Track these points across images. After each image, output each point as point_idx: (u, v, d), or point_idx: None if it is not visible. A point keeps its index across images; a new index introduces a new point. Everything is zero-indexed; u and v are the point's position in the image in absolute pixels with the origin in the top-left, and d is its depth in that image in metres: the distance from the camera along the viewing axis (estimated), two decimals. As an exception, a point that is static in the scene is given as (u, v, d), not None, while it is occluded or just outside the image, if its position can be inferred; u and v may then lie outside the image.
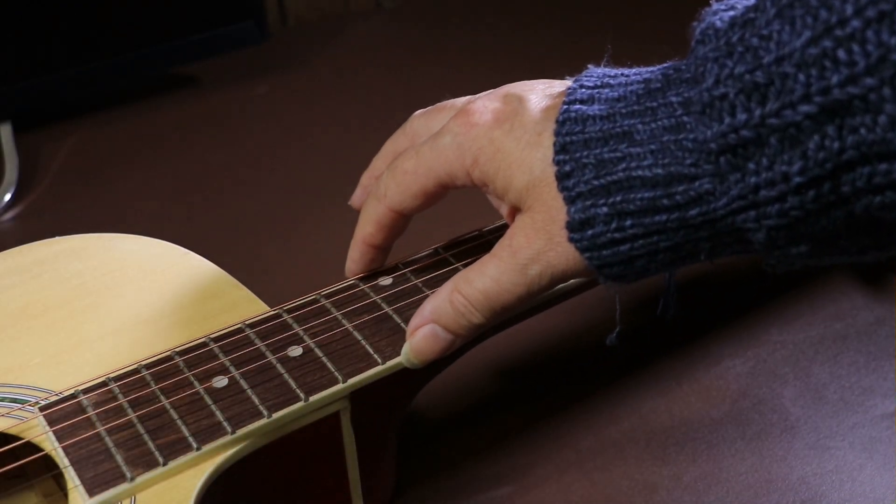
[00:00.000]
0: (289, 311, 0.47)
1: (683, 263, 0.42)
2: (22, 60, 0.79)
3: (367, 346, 0.45)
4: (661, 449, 0.54)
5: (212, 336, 0.46)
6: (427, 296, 0.48)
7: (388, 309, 0.47)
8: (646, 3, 1.03)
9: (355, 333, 0.46)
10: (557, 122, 0.42)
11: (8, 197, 0.77)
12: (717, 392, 0.57)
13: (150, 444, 0.41)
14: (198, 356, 0.45)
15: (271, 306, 0.48)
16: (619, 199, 0.40)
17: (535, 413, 0.57)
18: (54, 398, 0.43)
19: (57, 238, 0.53)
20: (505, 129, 0.44)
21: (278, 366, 0.44)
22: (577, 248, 0.41)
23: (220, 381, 0.44)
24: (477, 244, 0.51)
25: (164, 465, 0.40)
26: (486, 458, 0.54)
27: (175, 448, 0.41)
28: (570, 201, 0.41)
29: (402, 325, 0.46)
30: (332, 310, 0.47)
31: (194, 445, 0.41)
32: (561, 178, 0.41)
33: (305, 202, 0.76)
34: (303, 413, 0.43)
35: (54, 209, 0.76)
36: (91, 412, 0.42)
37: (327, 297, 0.48)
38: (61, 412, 0.43)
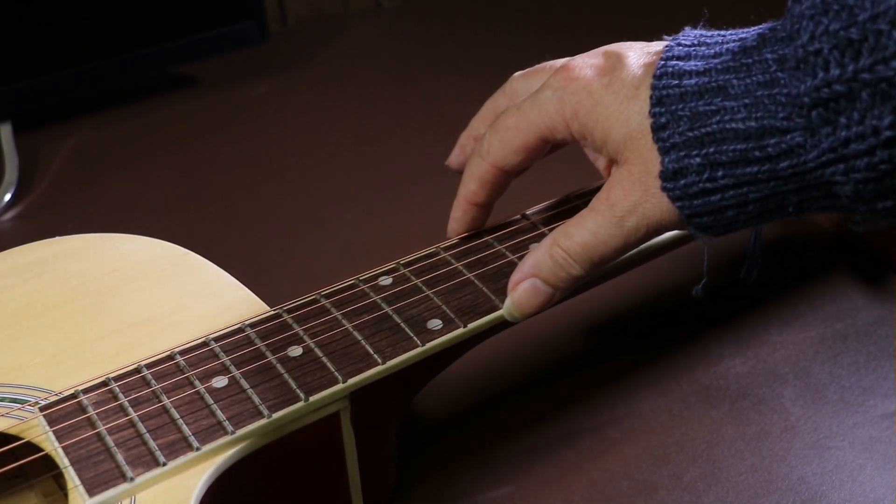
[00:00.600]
0: (289, 311, 0.47)
1: (771, 217, 0.43)
2: (22, 60, 0.79)
3: (367, 346, 0.45)
4: (661, 449, 0.54)
5: (212, 336, 0.46)
6: (427, 295, 0.48)
7: (388, 309, 0.47)
8: (645, 4, 1.03)
9: (355, 333, 0.46)
10: (655, 76, 0.44)
11: (8, 197, 0.77)
12: (717, 392, 0.57)
13: (151, 444, 0.41)
14: (198, 356, 0.45)
15: (271, 306, 0.48)
16: (711, 150, 0.41)
17: (535, 413, 0.56)
18: (54, 398, 0.43)
19: (57, 238, 0.53)
20: (604, 82, 0.45)
21: (278, 366, 0.44)
22: (670, 198, 0.43)
23: (221, 381, 0.44)
24: (476, 244, 0.51)
25: (165, 465, 0.40)
26: (486, 458, 0.54)
27: (175, 448, 0.41)
28: (664, 152, 0.42)
29: (403, 324, 0.47)
30: (332, 310, 0.47)
31: (194, 445, 0.41)
32: (656, 129, 0.43)
33: (305, 202, 0.76)
34: (303, 413, 0.43)
35: (54, 209, 0.76)
36: (91, 412, 0.42)
37: (327, 297, 0.48)
38: (61, 412, 0.43)
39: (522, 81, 0.53)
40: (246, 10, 0.88)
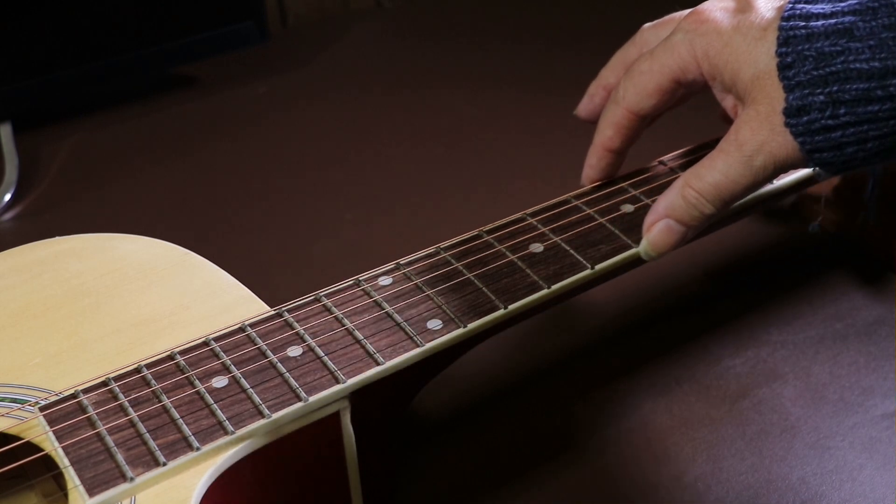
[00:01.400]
0: (289, 311, 0.47)
1: (890, 156, 0.45)
2: (22, 60, 0.79)
3: (367, 346, 0.45)
4: (661, 449, 0.54)
5: (212, 336, 0.46)
6: (427, 295, 0.48)
7: (388, 309, 0.47)
8: (645, 4, 1.03)
9: (355, 333, 0.46)
10: (783, 17, 0.46)
11: (8, 197, 0.77)
12: (717, 392, 0.57)
13: (151, 444, 0.41)
14: (198, 356, 0.45)
15: (271, 306, 0.48)
16: (835, 88, 0.44)
17: (535, 413, 0.57)
18: (54, 398, 0.43)
19: (57, 238, 0.53)
20: (734, 24, 0.48)
21: (278, 366, 0.44)
22: (792, 133, 0.45)
23: (221, 381, 0.44)
24: (476, 244, 0.51)
25: (165, 465, 0.40)
26: (486, 458, 0.54)
27: (175, 448, 0.41)
28: (789, 90, 0.45)
29: (403, 324, 0.47)
30: (333, 310, 0.47)
31: (194, 445, 0.41)
32: (782, 68, 0.45)
33: (305, 202, 0.76)
34: (303, 413, 0.43)
35: (54, 209, 0.76)
36: (91, 412, 0.42)
37: (327, 297, 0.48)
38: (61, 412, 0.43)
39: (652, 31, 0.55)
40: (246, 10, 0.88)
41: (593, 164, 0.55)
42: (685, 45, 0.50)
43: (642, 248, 0.50)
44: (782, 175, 0.55)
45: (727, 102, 0.50)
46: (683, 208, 0.49)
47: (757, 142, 0.46)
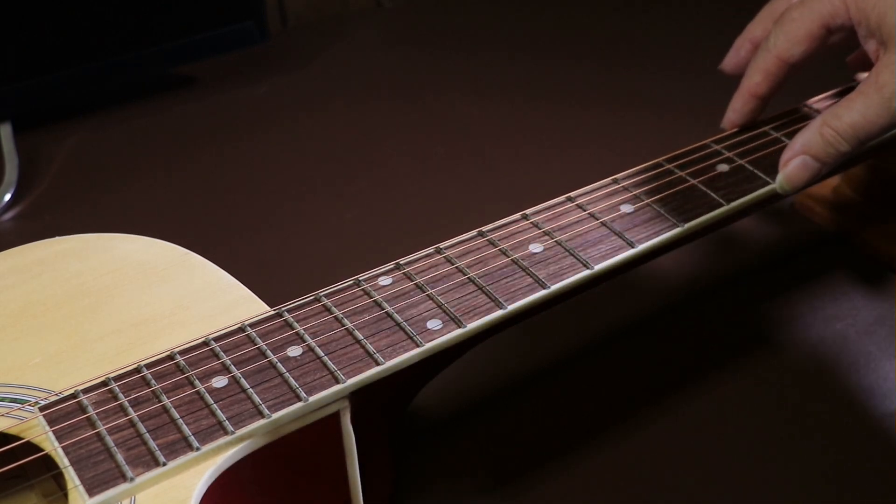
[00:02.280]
0: (289, 311, 0.47)
1: None
2: (22, 60, 0.79)
3: (367, 346, 0.45)
4: (661, 449, 0.54)
5: (212, 336, 0.46)
6: (427, 295, 0.48)
7: (388, 309, 0.47)
8: (645, 3, 1.03)
9: (355, 333, 0.46)
10: None
11: (8, 197, 0.77)
12: (717, 392, 0.57)
13: (151, 444, 0.41)
14: (198, 356, 0.45)
15: (271, 306, 0.48)
16: None
17: (535, 413, 0.57)
18: (54, 398, 0.43)
19: (57, 238, 0.53)
20: None
21: (278, 365, 0.44)
22: None
23: (221, 381, 0.44)
24: (476, 244, 0.51)
25: (165, 464, 0.40)
26: (486, 458, 0.54)
27: (175, 448, 0.41)
28: None
29: (403, 324, 0.47)
30: (333, 310, 0.47)
31: (194, 445, 0.41)
32: None
33: (305, 202, 0.76)
34: (303, 413, 0.43)
35: (54, 209, 0.76)
36: (91, 412, 0.42)
37: (327, 296, 0.48)
38: (61, 412, 0.43)
39: None
40: (246, 10, 0.88)
41: (737, 109, 0.58)
42: None
43: (778, 182, 0.54)
44: None
45: (870, 46, 0.53)
46: (820, 146, 0.52)
47: None
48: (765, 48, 0.57)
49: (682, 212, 0.53)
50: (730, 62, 0.61)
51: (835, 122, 0.52)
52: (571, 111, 0.85)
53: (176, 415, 0.42)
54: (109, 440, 0.41)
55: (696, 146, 0.58)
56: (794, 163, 0.54)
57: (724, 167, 0.56)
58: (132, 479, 0.40)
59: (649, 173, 0.56)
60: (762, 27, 0.59)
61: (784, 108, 0.60)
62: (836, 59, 0.61)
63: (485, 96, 0.89)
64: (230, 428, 0.42)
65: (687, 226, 0.52)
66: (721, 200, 0.54)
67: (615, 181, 0.56)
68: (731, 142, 0.58)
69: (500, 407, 0.57)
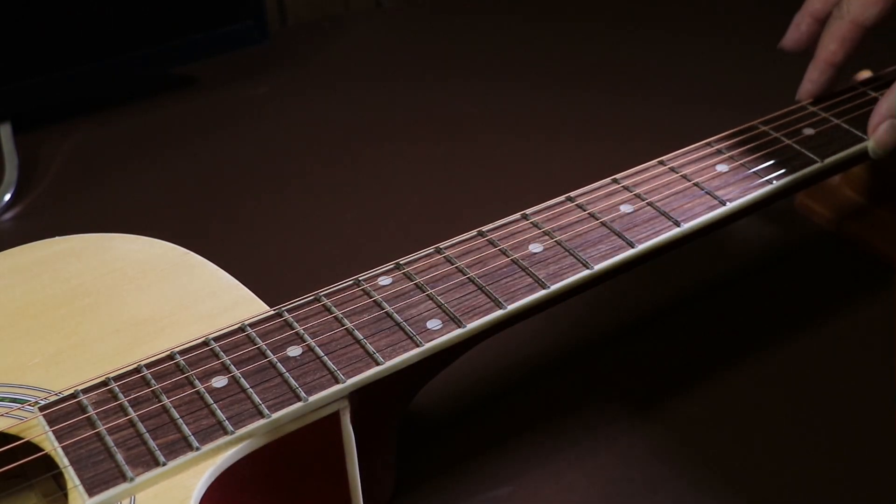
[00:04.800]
0: (289, 311, 0.47)
1: None
2: (22, 60, 0.79)
3: (367, 346, 0.45)
4: (661, 450, 0.54)
5: (212, 336, 0.46)
6: (427, 295, 0.48)
7: (387, 308, 0.47)
8: (644, 3, 1.03)
9: (355, 333, 0.46)
10: None
11: (8, 197, 0.77)
12: (717, 393, 0.57)
13: (150, 444, 0.41)
14: (198, 356, 0.45)
15: (271, 306, 0.48)
16: None
17: (535, 413, 0.56)
18: (54, 398, 0.43)
19: (57, 238, 0.53)
20: None
21: (278, 365, 0.45)
22: None
23: (220, 381, 0.44)
24: (476, 244, 0.51)
25: (164, 464, 0.40)
26: (486, 458, 0.54)
27: (175, 448, 0.41)
28: None
29: (402, 324, 0.47)
30: (332, 309, 0.47)
31: (194, 445, 0.41)
32: None
33: (305, 202, 0.76)
34: (302, 413, 0.43)
35: (54, 209, 0.76)
36: (91, 412, 0.42)
37: (327, 296, 0.48)
38: (61, 412, 0.43)
39: None
40: (246, 10, 0.88)
41: (814, 79, 0.60)
42: None
43: (870, 147, 0.56)
44: (782, 175, 0.56)
45: None
46: None
47: None
48: (837, 16, 0.58)
49: (682, 212, 0.53)
50: (790, 38, 0.62)
51: None
52: (572, 111, 0.85)
53: (176, 414, 0.42)
54: (109, 440, 0.41)
55: (694, 146, 0.58)
56: (883, 127, 0.55)
57: (723, 167, 0.56)
58: (132, 479, 0.40)
59: (649, 173, 0.56)
60: (822, 1, 0.60)
61: (785, 107, 0.61)
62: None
63: (485, 96, 0.89)
64: (230, 428, 0.42)
65: (687, 226, 0.52)
66: (722, 200, 0.54)
67: (615, 181, 0.56)
68: (730, 142, 0.58)
69: (501, 407, 0.57)
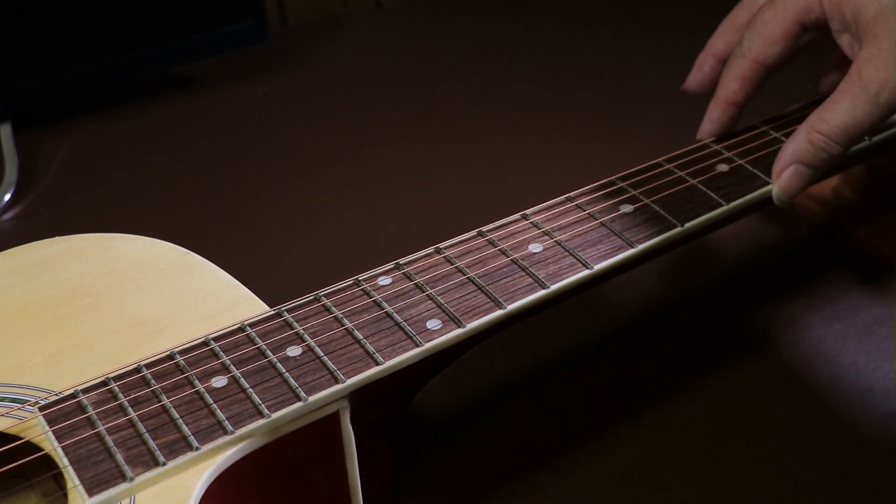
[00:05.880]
0: (288, 311, 0.47)
1: None
2: (22, 60, 0.79)
3: (367, 346, 0.45)
4: (661, 450, 0.54)
5: (212, 336, 0.46)
6: (427, 295, 0.48)
7: (387, 308, 0.47)
8: (644, 3, 1.03)
9: (355, 333, 0.46)
10: None
11: (8, 197, 0.77)
12: (717, 393, 0.57)
13: (150, 444, 0.41)
14: (198, 356, 0.45)
15: (271, 306, 0.48)
16: None
17: (535, 413, 0.57)
18: (54, 398, 0.43)
19: (57, 238, 0.53)
20: None
21: (278, 365, 0.44)
22: None
23: (220, 381, 0.44)
24: (475, 244, 0.51)
25: (164, 464, 0.40)
26: (486, 457, 0.54)
27: (175, 448, 0.41)
28: None
29: (402, 324, 0.47)
30: (332, 309, 0.47)
31: (194, 445, 0.41)
32: None
33: (305, 202, 0.76)
34: (302, 413, 0.43)
35: (54, 209, 0.76)
36: (91, 412, 0.42)
37: (327, 296, 0.48)
38: (61, 412, 0.43)
39: None
40: (246, 10, 0.88)
41: (714, 119, 0.57)
42: None
43: (774, 194, 0.53)
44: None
45: (843, 41, 0.53)
46: (811, 152, 0.51)
47: (881, 79, 0.48)
48: (738, 54, 0.55)
49: (682, 212, 0.53)
50: (693, 80, 0.59)
51: (822, 126, 0.51)
52: (572, 111, 0.85)
53: (175, 414, 0.42)
54: (109, 440, 0.41)
55: (695, 146, 0.58)
56: (788, 172, 0.53)
57: (723, 167, 0.56)
58: (132, 479, 0.40)
59: (649, 173, 0.56)
60: (724, 41, 0.58)
61: (784, 109, 0.60)
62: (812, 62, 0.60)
63: (485, 96, 0.89)
64: (230, 428, 0.42)
65: (687, 226, 0.52)
66: (721, 200, 0.53)
67: (615, 181, 0.56)
68: (730, 141, 0.58)
69: (500, 407, 0.57)
